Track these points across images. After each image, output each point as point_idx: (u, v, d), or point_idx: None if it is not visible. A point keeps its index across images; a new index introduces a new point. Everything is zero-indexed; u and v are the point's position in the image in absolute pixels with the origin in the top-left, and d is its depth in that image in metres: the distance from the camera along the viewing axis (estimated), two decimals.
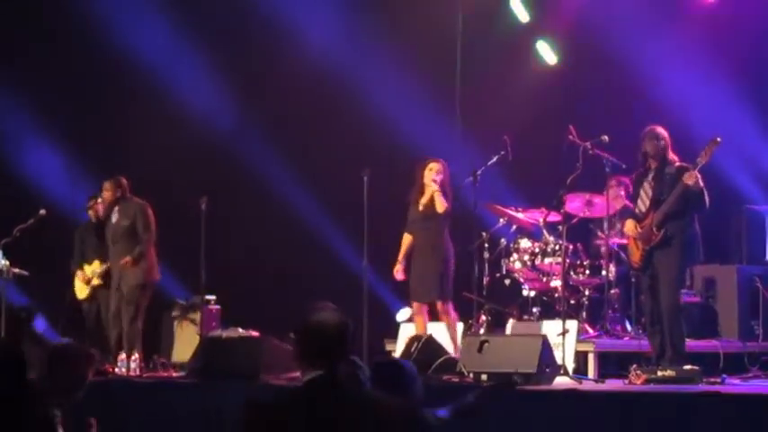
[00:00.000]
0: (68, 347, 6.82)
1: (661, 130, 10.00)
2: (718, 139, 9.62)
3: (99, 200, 12.63)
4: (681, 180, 9.71)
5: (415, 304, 11.25)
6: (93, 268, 12.72)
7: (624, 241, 11.87)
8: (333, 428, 4.80)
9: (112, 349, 11.87)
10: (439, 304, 11.06)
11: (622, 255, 11.91)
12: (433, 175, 11.17)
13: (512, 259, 12.29)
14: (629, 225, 10.08)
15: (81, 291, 12.88)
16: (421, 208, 11.21)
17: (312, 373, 4.97)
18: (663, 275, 9.84)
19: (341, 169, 13.39)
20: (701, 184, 9.65)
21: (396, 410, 4.93)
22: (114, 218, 12.20)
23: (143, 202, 12.26)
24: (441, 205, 11.12)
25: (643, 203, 10.03)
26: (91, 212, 12.97)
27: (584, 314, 11.93)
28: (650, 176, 10.01)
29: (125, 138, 14.40)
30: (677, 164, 9.85)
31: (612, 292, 11.86)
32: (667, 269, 9.82)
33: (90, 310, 12.86)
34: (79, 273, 12.86)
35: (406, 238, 11.31)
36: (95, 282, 12.67)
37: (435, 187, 11.12)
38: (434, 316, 11.28)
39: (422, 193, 11.23)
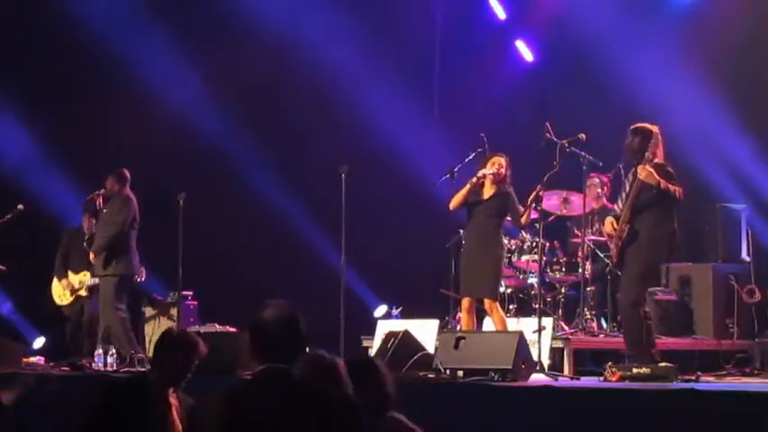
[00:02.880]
0: (180, 335, 6.84)
1: (642, 127, 9.81)
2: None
3: (100, 191, 12.43)
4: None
5: (467, 300, 11.01)
6: (82, 279, 12.66)
7: (601, 239, 11.93)
8: (278, 420, 4.83)
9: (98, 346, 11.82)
10: (488, 302, 11.02)
11: (599, 252, 11.97)
12: (495, 168, 11.08)
13: None
14: (608, 222, 10.00)
15: (63, 297, 12.81)
16: (485, 198, 11.09)
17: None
18: (626, 271, 9.81)
19: (319, 165, 13.41)
20: (657, 176, 9.57)
21: (339, 405, 4.97)
22: (105, 210, 12.22)
23: (128, 195, 12.21)
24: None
25: (622, 201, 9.96)
26: (85, 221, 12.87)
27: (560, 311, 11.99)
28: (630, 174, 9.95)
29: (104, 133, 14.35)
30: (655, 161, 9.76)
31: (589, 289, 11.91)
32: (629, 264, 9.75)
33: (73, 315, 12.79)
34: (64, 281, 12.78)
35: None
36: (82, 293, 12.64)
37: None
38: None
39: (483, 183, 11.13)
